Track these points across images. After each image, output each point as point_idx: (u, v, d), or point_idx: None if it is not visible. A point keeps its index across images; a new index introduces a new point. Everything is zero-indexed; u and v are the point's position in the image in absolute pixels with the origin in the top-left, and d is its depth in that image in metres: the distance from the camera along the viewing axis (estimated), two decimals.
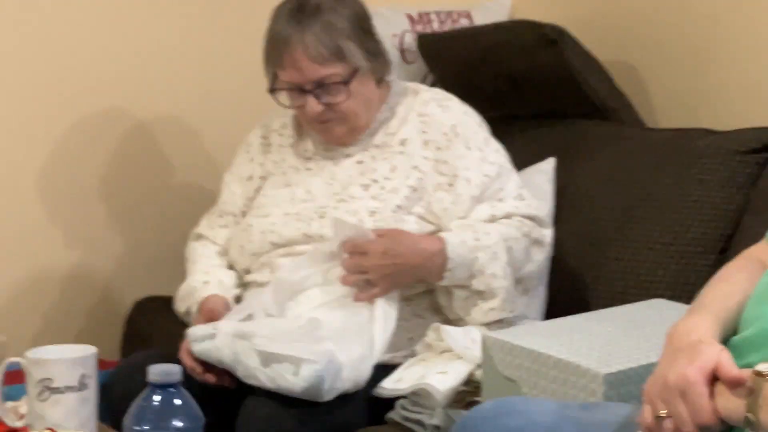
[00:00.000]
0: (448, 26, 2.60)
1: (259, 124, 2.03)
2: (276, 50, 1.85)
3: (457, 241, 1.78)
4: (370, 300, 1.75)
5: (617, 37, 2.40)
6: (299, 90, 1.85)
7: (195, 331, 1.73)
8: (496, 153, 1.91)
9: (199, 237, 2.03)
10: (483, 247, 1.79)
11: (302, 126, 1.98)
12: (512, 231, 1.83)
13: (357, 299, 1.76)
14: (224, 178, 2.04)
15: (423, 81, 2.54)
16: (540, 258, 1.88)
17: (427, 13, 2.59)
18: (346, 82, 1.84)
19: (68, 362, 1.42)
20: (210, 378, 1.73)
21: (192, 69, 2.44)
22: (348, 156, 1.93)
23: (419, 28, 2.56)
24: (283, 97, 1.90)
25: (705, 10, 2.22)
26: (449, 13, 2.62)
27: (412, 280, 1.79)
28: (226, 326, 1.72)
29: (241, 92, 2.41)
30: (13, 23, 2.28)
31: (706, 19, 2.22)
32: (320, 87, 1.84)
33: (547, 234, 1.90)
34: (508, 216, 1.85)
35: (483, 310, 1.80)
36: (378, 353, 1.71)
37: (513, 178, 1.90)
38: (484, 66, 2.35)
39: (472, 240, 1.79)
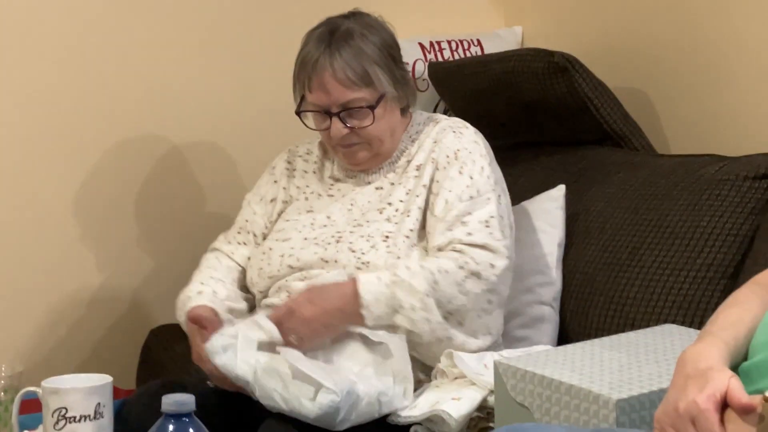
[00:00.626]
0: (459, 55, 2.62)
1: (285, 149, 2.07)
2: (304, 72, 1.89)
3: (371, 278, 1.77)
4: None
5: (627, 64, 2.42)
6: (325, 113, 1.89)
7: (214, 343, 1.73)
8: (485, 180, 1.87)
9: (213, 250, 2.05)
10: (399, 281, 1.76)
11: (327, 152, 2.01)
12: (445, 262, 1.78)
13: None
14: (246, 197, 2.07)
15: (435, 108, 2.57)
16: (476, 290, 1.79)
17: (439, 42, 2.62)
18: (371, 107, 1.87)
19: (84, 391, 1.43)
20: (230, 385, 1.74)
21: (224, 97, 2.48)
22: (369, 183, 1.96)
23: (431, 56, 2.59)
24: (310, 119, 1.93)
25: (714, 37, 2.23)
26: (460, 42, 2.64)
27: (341, 323, 1.77)
28: (248, 333, 1.72)
29: (271, 119, 2.46)
30: (54, 50, 2.32)
31: (715, 45, 2.23)
32: (346, 110, 1.87)
33: (498, 264, 1.80)
34: (450, 244, 1.81)
35: (421, 347, 1.78)
36: (410, 395, 1.71)
37: (488, 208, 1.84)
38: (495, 94, 2.36)
39: (389, 276, 1.77)
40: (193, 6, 2.45)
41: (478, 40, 2.66)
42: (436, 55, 2.60)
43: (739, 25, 2.18)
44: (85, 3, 2.35)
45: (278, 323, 1.75)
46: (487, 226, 1.83)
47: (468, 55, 2.63)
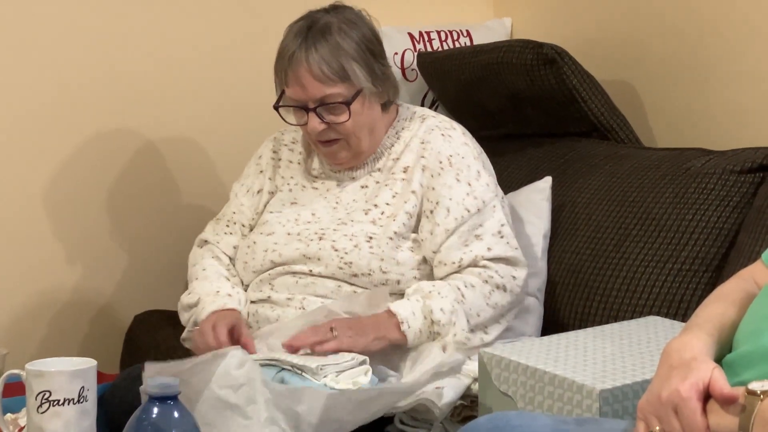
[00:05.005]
0: (448, 45, 2.62)
1: (270, 137, 2.06)
2: (282, 66, 1.88)
3: (401, 302, 1.78)
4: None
5: (615, 57, 2.42)
6: (303, 108, 1.88)
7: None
8: (484, 188, 1.89)
9: (204, 243, 2.04)
10: (425, 292, 1.79)
11: (311, 146, 2.00)
12: (471, 278, 1.82)
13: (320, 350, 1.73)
14: (233, 187, 2.06)
15: (423, 98, 2.57)
16: (503, 302, 1.83)
17: (429, 32, 2.61)
18: (347, 103, 1.86)
19: (68, 375, 1.42)
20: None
21: (202, 89, 2.46)
22: (353, 179, 1.95)
23: (420, 46, 2.58)
24: (290, 114, 1.92)
25: (701, 31, 2.24)
26: (450, 32, 2.64)
27: (375, 333, 1.76)
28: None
29: (250, 112, 2.44)
30: (27, 42, 2.30)
31: (703, 39, 2.24)
32: (322, 105, 1.86)
33: (519, 275, 1.86)
34: (474, 262, 1.83)
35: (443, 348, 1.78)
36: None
37: (496, 216, 1.87)
38: (483, 84, 2.36)
39: (415, 293, 1.79)
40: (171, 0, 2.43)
41: (468, 31, 2.66)
42: (425, 45, 2.59)
43: (726, 19, 2.18)
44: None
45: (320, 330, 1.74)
46: (502, 237, 1.86)
47: (457, 45, 2.63)
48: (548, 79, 2.25)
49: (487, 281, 1.82)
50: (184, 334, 1.96)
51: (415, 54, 2.56)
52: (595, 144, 2.26)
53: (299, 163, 2.00)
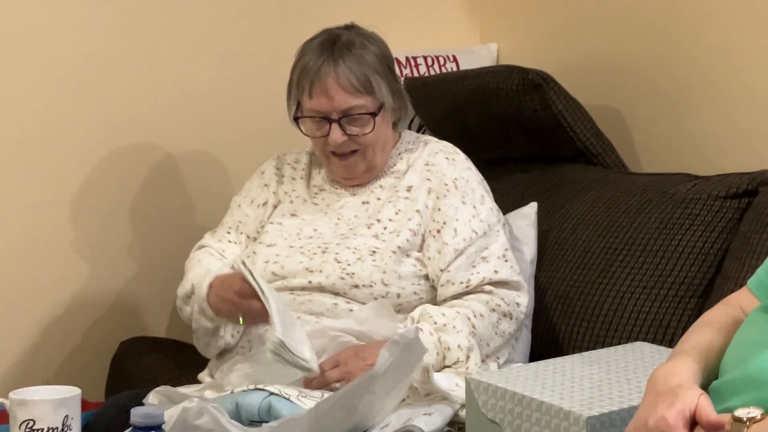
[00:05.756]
0: (435, 70, 2.63)
1: (273, 157, 2.08)
2: (306, 79, 1.90)
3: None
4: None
5: (601, 82, 2.43)
6: (325, 119, 1.90)
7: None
8: (488, 212, 1.93)
9: (201, 247, 2.03)
10: (441, 326, 1.79)
11: (314, 162, 2.03)
12: (477, 306, 1.83)
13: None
14: (234, 200, 2.06)
15: (410, 123, 2.57)
16: (510, 330, 1.87)
17: (415, 57, 2.63)
18: (373, 114, 1.89)
19: (52, 403, 1.41)
20: (255, 305, 1.73)
21: (215, 106, 2.49)
22: (354, 195, 1.97)
23: (407, 71, 2.59)
24: (307, 126, 1.94)
25: (687, 56, 2.25)
26: (436, 58, 2.65)
27: None
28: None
29: (261, 128, 2.47)
30: (52, 58, 2.33)
31: (688, 65, 2.25)
32: (346, 117, 1.89)
33: (522, 302, 1.89)
34: (481, 284, 1.85)
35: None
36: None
37: (500, 240, 1.91)
38: (469, 110, 2.37)
39: (428, 326, 1.79)
40: (187, 16, 2.46)
41: (454, 56, 2.67)
42: (411, 70, 2.60)
43: (712, 45, 2.20)
44: (81, 11, 2.35)
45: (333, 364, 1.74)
46: (506, 260, 1.89)
47: (444, 70, 2.64)
48: (534, 105, 2.25)
49: (494, 309, 1.84)
50: (203, 320, 1.91)
51: (402, 79, 2.57)
52: (581, 169, 2.27)
53: (302, 179, 2.03)
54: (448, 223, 1.89)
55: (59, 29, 2.33)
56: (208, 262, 1.96)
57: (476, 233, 1.89)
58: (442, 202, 1.91)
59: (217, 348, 1.93)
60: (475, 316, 1.82)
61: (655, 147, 2.34)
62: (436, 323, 1.80)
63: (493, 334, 1.84)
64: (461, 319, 1.80)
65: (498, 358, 1.87)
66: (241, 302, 1.77)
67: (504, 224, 1.98)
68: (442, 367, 1.79)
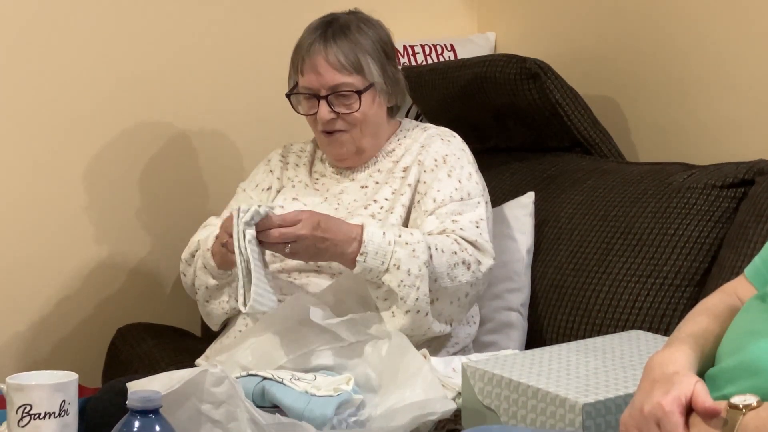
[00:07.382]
0: (432, 59, 2.63)
1: (281, 145, 2.12)
2: (298, 55, 1.96)
3: (377, 231, 1.79)
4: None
5: (598, 72, 2.43)
6: (315, 97, 1.93)
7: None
8: (474, 185, 1.93)
9: (206, 226, 2.05)
10: (402, 242, 1.78)
11: (318, 151, 2.07)
12: (442, 242, 1.82)
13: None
14: (240, 185, 2.10)
15: (407, 112, 2.57)
16: (462, 279, 1.83)
17: (413, 46, 2.62)
18: (359, 92, 1.91)
19: (49, 388, 1.41)
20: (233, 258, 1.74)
21: (223, 93, 2.50)
22: (353, 180, 2.00)
23: (404, 60, 2.59)
24: (302, 104, 1.98)
25: (684, 46, 2.25)
26: (434, 47, 2.65)
27: (330, 258, 1.80)
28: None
29: (270, 117, 2.46)
30: (54, 43, 2.32)
31: (684, 54, 2.25)
32: (334, 94, 1.92)
33: (484, 262, 1.85)
34: (444, 231, 1.86)
35: (393, 314, 1.79)
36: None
37: (477, 211, 1.90)
38: (467, 99, 2.37)
39: (393, 235, 1.79)
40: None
41: (452, 45, 2.67)
42: (409, 59, 2.60)
43: (708, 35, 2.20)
44: None
45: (280, 223, 1.74)
46: (477, 227, 1.88)
47: (441, 59, 2.64)
48: (531, 94, 2.26)
49: (456, 252, 1.82)
50: (205, 276, 1.92)
51: (399, 67, 2.56)
52: (577, 159, 2.27)
53: (304, 165, 2.07)
54: (428, 194, 1.90)
55: (64, 10, 2.32)
56: (215, 227, 1.96)
57: (452, 198, 1.89)
58: (428, 175, 1.93)
59: (221, 312, 1.94)
60: (436, 249, 1.80)
61: (651, 136, 2.34)
62: (400, 236, 1.79)
63: (445, 273, 1.81)
64: (423, 246, 1.79)
65: (440, 321, 1.83)
66: (226, 254, 1.80)
67: (487, 203, 1.95)
68: (381, 281, 1.77)
